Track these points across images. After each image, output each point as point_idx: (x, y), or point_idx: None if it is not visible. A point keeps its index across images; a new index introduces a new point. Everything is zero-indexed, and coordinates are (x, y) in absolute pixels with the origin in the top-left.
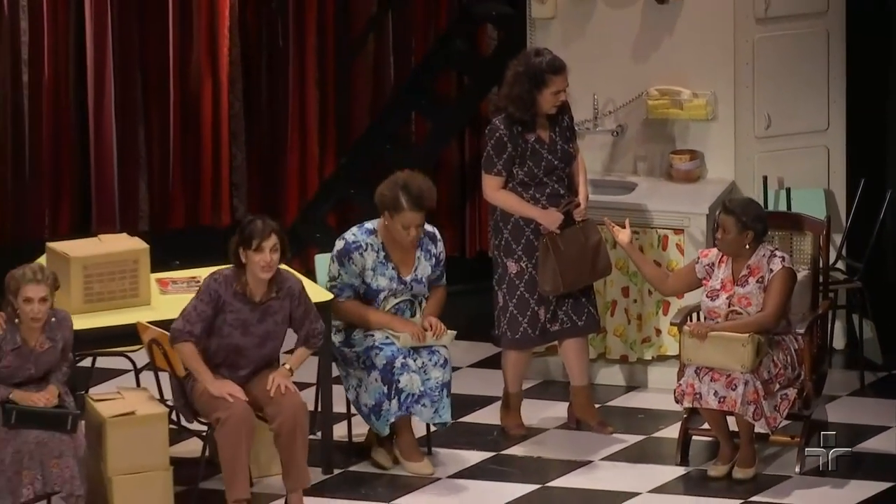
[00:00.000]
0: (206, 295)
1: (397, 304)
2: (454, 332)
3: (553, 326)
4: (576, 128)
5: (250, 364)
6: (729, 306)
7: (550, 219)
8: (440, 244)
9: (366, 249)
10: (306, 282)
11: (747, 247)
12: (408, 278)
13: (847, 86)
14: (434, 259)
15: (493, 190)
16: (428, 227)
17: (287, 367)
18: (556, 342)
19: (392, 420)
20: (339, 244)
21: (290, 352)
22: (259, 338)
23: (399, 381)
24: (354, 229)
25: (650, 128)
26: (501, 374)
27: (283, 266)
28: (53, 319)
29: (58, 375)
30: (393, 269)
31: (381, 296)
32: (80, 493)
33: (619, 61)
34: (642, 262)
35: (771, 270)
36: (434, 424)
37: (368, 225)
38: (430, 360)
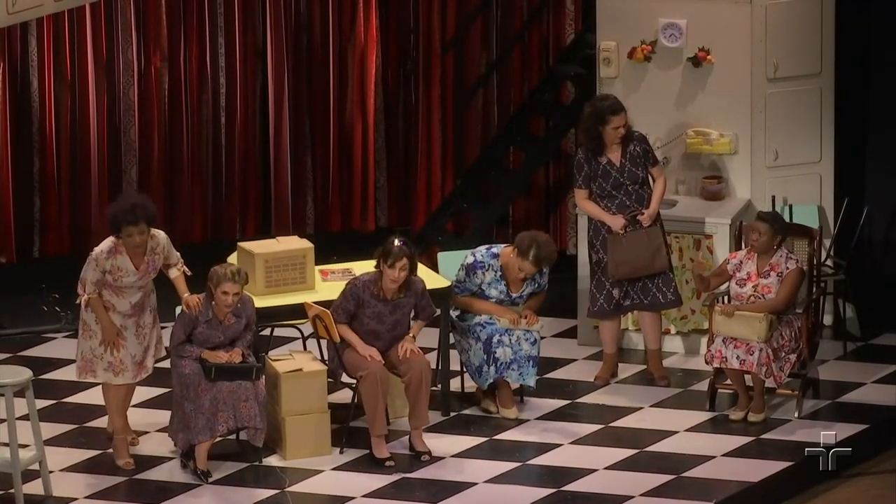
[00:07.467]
0: (350, 296)
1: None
2: (543, 324)
3: (626, 302)
4: (658, 158)
5: (384, 345)
6: (754, 291)
7: (614, 222)
8: (546, 276)
9: (487, 269)
10: (430, 272)
11: (774, 247)
12: (514, 295)
13: (834, 129)
14: (537, 284)
15: (579, 199)
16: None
17: (411, 335)
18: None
19: (490, 381)
20: (469, 259)
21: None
22: (391, 325)
23: (496, 353)
24: (483, 250)
25: (688, 159)
26: (576, 342)
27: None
28: (239, 306)
29: (242, 341)
30: (505, 286)
31: (493, 298)
32: (261, 427)
33: (666, 110)
34: (699, 280)
35: (787, 268)
36: (520, 385)
37: (495, 249)
38: (525, 337)
